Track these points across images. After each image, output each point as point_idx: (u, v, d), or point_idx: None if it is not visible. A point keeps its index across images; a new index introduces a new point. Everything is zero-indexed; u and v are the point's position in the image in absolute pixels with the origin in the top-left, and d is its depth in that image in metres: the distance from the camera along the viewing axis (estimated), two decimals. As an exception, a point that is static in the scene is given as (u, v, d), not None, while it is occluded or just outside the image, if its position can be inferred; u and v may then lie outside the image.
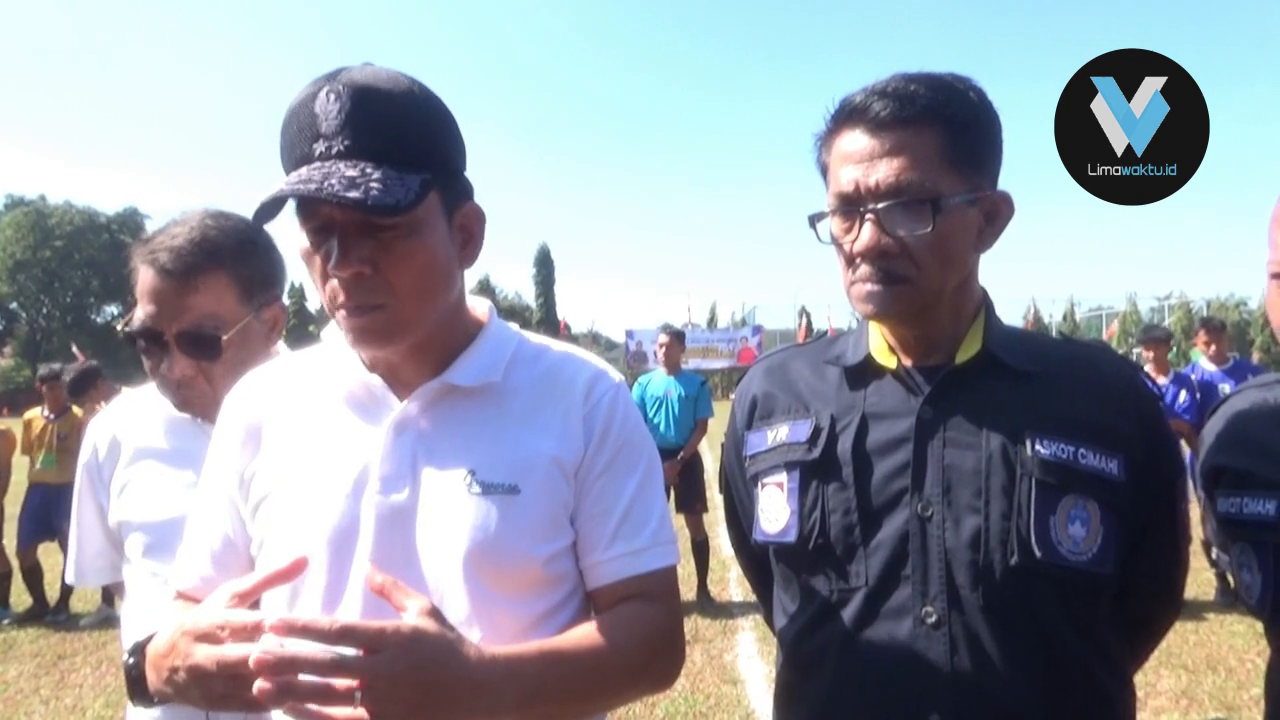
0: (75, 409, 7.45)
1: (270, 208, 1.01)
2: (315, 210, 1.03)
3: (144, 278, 1.52)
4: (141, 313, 1.52)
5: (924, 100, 1.17)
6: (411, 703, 0.88)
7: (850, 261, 1.23)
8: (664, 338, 7.12)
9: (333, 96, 1.01)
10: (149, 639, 1.03)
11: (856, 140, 1.20)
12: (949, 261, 1.20)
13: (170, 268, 1.48)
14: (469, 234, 1.15)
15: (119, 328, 1.60)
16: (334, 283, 1.04)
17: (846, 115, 1.22)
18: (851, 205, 1.20)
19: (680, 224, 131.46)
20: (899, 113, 1.17)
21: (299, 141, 1.02)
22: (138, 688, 1.03)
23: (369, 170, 0.98)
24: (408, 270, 1.04)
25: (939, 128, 1.17)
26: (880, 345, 1.31)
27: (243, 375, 1.50)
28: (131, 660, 1.06)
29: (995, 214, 1.25)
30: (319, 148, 1.01)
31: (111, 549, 1.67)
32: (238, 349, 1.55)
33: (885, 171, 1.17)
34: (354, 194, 0.95)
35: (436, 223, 1.07)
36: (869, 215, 1.18)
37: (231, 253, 1.53)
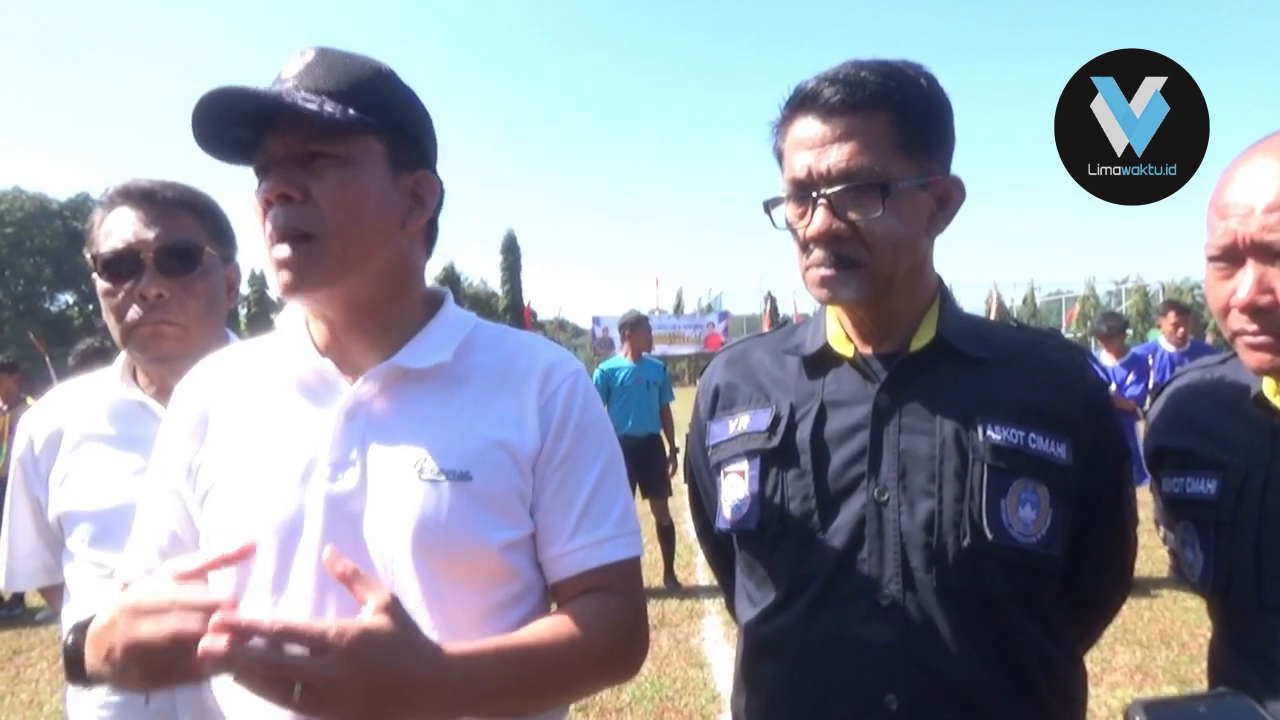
0: (29, 400, 7.27)
1: (209, 129, 1.07)
2: (262, 148, 1.08)
3: (118, 214, 1.55)
4: (116, 240, 1.53)
5: (874, 86, 1.18)
6: (358, 704, 0.87)
7: (804, 247, 1.24)
8: (637, 328, 7.07)
9: (299, 55, 1.10)
10: (90, 619, 1.01)
11: (809, 126, 1.21)
12: (900, 245, 1.21)
13: (151, 193, 1.56)
14: (419, 200, 1.15)
15: (87, 254, 1.58)
16: (270, 213, 1.07)
17: (799, 102, 1.23)
18: (804, 191, 1.21)
19: (647, 210, 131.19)
20: (849, 99, 1.18)
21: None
22: (76, 668, 1.01)
23: (304, 93, 1.05)
24: (337, 198, 1.06)
25: (889, 113, 1.18)
26: (838, 334, 1.32)
27: (210, 319, 1.55)
28: (71, 639, 1.04)
29: (947, 198, 1.26)
30: (274, 89, 1.07)
31: (45, 549, 1.61)
32: (209, 282, 1.58)
33: (836, 157, 1.18)
34: (271, 95, 1.03)
35: (375, 168, 1.09)
36: (821, 200, 1.19)
37: (202, 200, 1.63)
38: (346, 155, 1.06)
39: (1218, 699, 0.73)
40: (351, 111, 1.05)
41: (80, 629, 1.03)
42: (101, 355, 7.03)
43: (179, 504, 1.17)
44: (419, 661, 0.92)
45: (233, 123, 1.07)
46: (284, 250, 1.06)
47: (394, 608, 0.92)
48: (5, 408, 7.21)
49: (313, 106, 1.02)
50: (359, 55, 1.12)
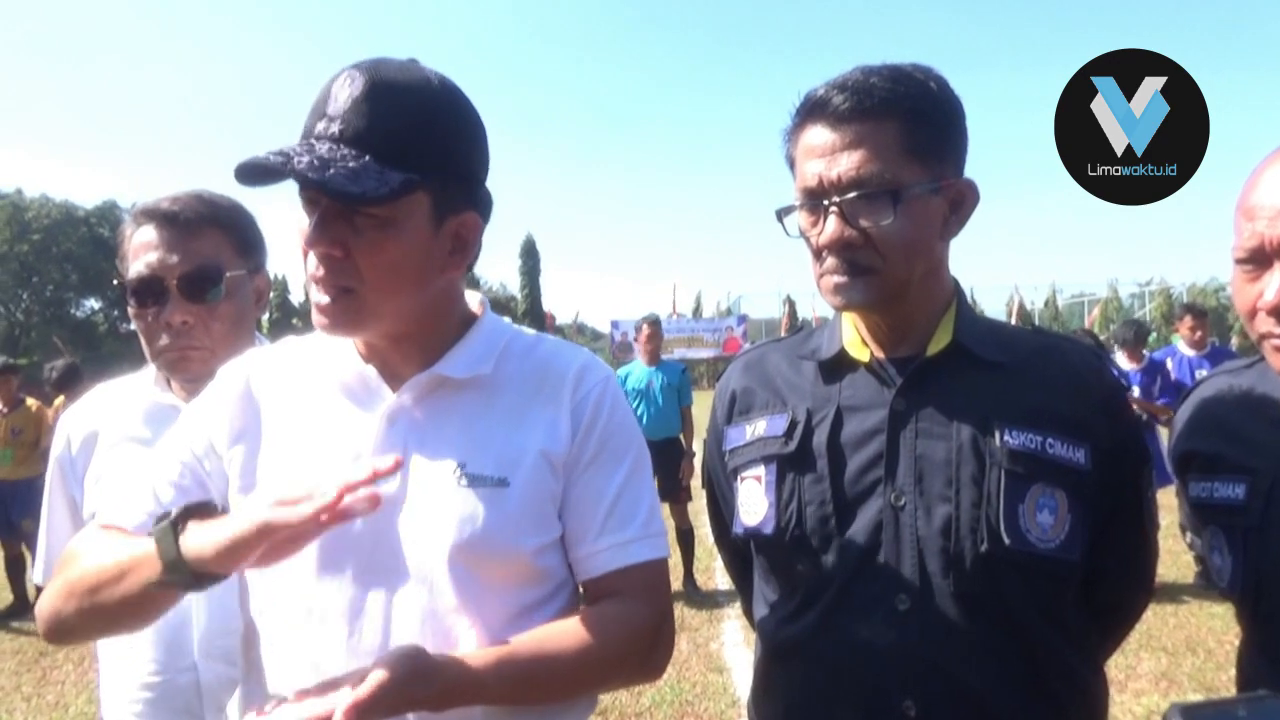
0: (29, 401, 7.31)
1: (252, 170, 1.02)
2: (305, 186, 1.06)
3: (141, 234, 1.56)
4: (140, 265, 1.54)
5: (883, 92, 1.18)
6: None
7: (818, 254, 1.24)
8: (647, 329, 7.06)
9: (350, 80, 1.04)
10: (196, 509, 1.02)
11: (819, 134, 1.21)
12: (914, 250, 1.21)
13: (173, 214, 1.55)
14: (462, 242, 1.14)
15: (114, 283, 1.60)
16: (312, 256, 1.07)
17: (809, 110, 1.23)
18: (816, 199, 1.21)
19: (665, 214, 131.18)
20: (858, 105, 1.18)
21: (310, 116, 1.06)
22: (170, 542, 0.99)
23: (347, 156, 1.00)
24: (374, 260, 1.05)
25: (898, 119, 1.18)
26: (854, 338, 1.32)
27: (237, 337, 1.54)
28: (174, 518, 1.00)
29: (960, 202, 1.26)
30: (320, 126, 1.04)
31: None
32: (234, 303, 1.59)
33: (846, 164, 1.18)
34: (314, 175, 0.98)
35: (418, 224, 1.07)
36: (832, 208, 1.19)
37: (227, 212, 1.62)
38: (389, 218, 1.04)
39: (1258, 701, 0.71)
40: (396, 176, 1.01)
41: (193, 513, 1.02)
42: (76, 374, 7.18)
43: (212, 457, 1.18)
44: (422, 691, 0.98)
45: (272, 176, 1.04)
46: (324, 298, 1.07)
47: (380, 677, 0.95)
48: (5, 410, 7.19)
49: (356, 189, 0.98)
50: (410, 79, 1.05)
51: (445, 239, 1.12)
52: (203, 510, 1.03)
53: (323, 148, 1.01)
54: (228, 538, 0.92)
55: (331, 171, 0.98)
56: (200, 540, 0.96)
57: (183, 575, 0.97)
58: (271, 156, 1.00)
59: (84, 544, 1.14)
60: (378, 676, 0.94)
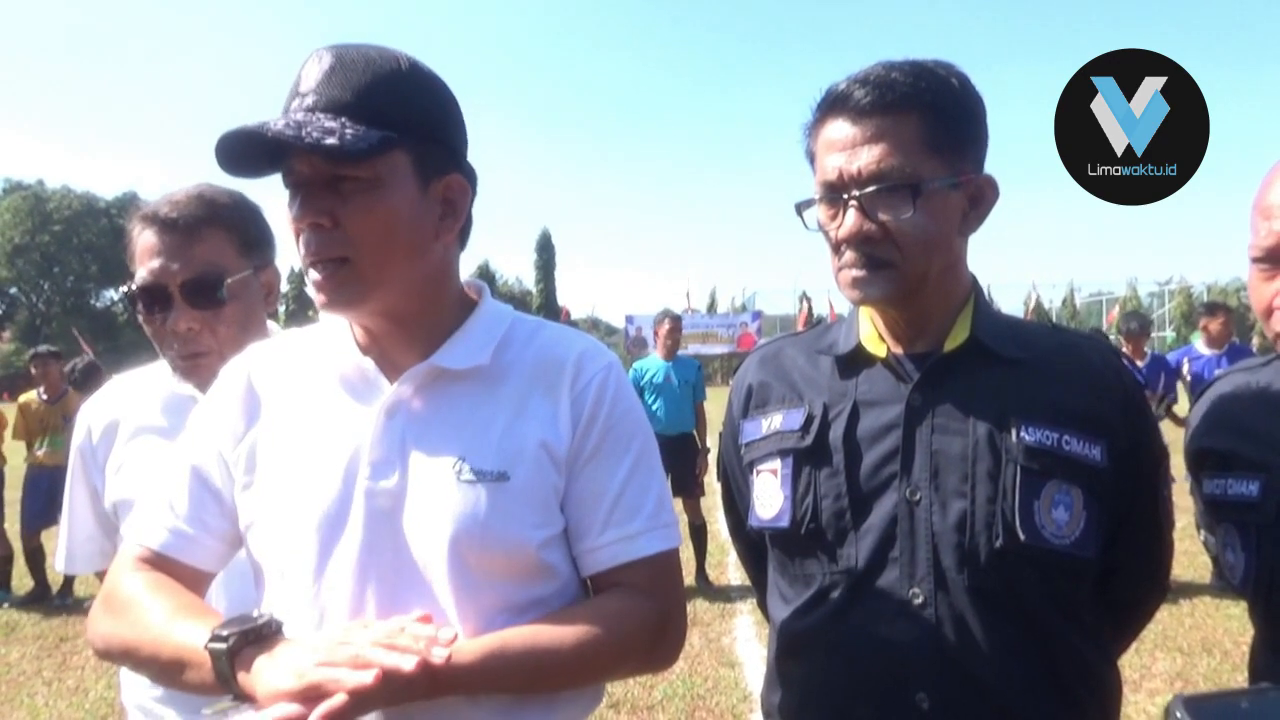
0: (71, 389, 7.40)
1: (232, 148, 1.04)
2: (290, 168, 1.07)
3: (144, 239, 1.55)
4: (144, 271, 1.54)
5: (904, 87, 1.18)
6: None
7: (836, 248, 1.24)
8: (667, 324, 7.06)
9: (318, 59, 1.07)
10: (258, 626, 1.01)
11: (840, 128, 1.21)
12: (932, 246, 1.21)
13: (172, 220, 1.53)
14: (451, 205, 1.14)
15: (120, 290, 1.61)
16: (302, 238, 1.08)
17: (830, 104, 1.23)
18: (836, 192, 1.22)
19: (681, 210, 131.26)
20: (880, 100, 1.18)
21: (286, 100, 1.08)
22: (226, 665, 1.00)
23: (323, 118, 1.03)
24: (365, 224, 1.05)
25: (919, 114, 1.19)
26: (871, 333, 1.32)
27: (245, 338, 1.51)
28: (234, 642, 1.00)
29: (980, 198, 1.26)
30: (294, 104, 1.06)
31: (102, 534, 1.66)
32: (240, 304, 1.58)
33: (867, 159, 1.18)
34: (290, 132, 1.00)
35: (403, 183, 1.07)
36: (852, 202, 1.20)
37: (229, 210, 1.59)
38: (373, 177, 1.05)
39: (1261, 694, 0.72)
40: (374, 133, 1.02)
41: (250, 637, 1.01)
42: (97, 372, 7.22)
43: (221, 467, 1.18)
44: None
45: (256, 154, 1.06)
46: (318, 274, 1.07)
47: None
48: (48, 398, 7.29)
49: (333, 141, 1.00)
50: (378, 53, 1.08)
51: (433, 201, 1.11)
52: (259, 635, 1.00)
53: (298, 115, 1.04)
54: (273, 691, 0.93)
55: (308, 129, 1.00)
56: (253, 679, 0.97)
57: (233, 692, 0.99)
58: (246, 125, 1.02)
59: (133, 583, 1.12)
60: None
